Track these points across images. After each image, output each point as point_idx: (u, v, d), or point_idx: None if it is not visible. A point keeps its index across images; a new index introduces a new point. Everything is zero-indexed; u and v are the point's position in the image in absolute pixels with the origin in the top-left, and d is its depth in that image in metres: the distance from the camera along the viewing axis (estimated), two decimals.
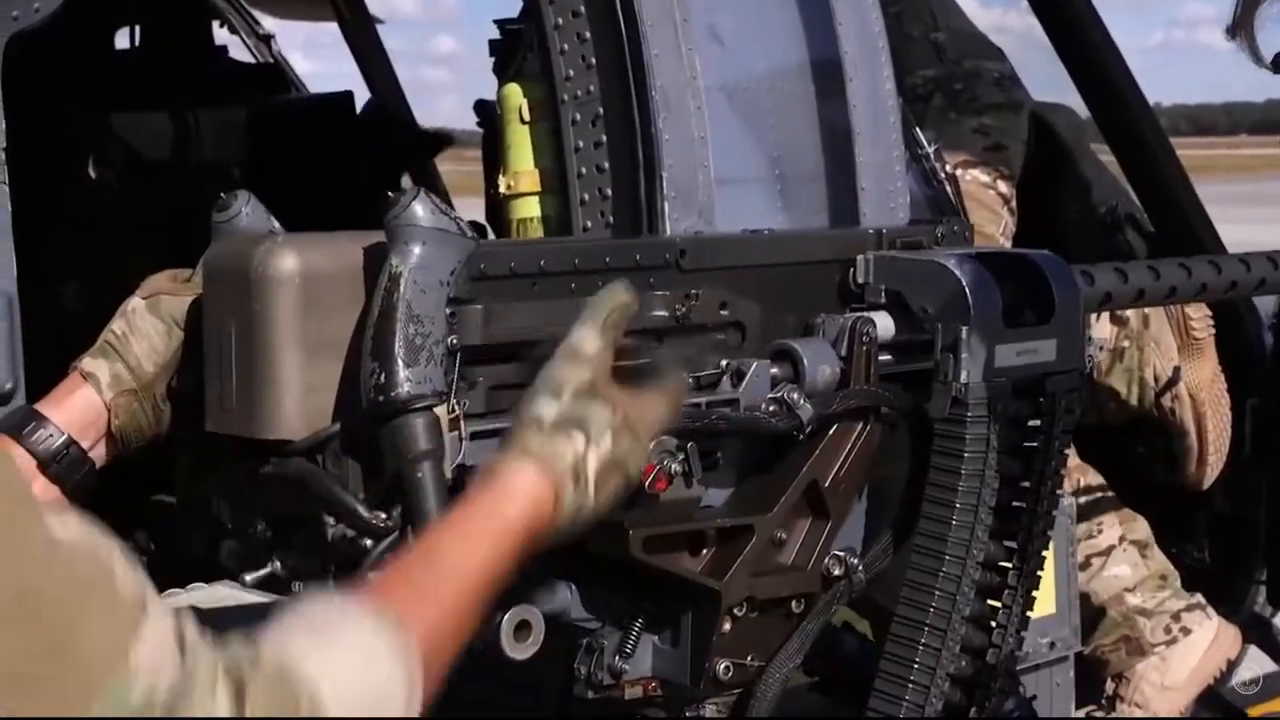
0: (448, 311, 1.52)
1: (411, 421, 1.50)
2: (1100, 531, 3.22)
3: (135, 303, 1.71)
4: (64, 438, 1.63)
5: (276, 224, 1.70)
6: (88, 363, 1.68)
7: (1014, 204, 3.32)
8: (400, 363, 1.50)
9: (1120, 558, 3.23)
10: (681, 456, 1.61)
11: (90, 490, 1.66)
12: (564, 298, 1.64)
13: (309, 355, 1.53)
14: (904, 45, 3.23)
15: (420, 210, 1.53)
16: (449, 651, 1.24)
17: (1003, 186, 3.29)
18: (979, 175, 3.25)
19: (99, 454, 1.67)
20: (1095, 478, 3.25)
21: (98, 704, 0.93)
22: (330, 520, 1.53)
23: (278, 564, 1.60)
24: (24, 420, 1.64)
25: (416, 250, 1.52)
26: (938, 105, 3.33)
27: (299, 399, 1.54)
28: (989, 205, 3.25)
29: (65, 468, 1.63)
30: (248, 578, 1.61)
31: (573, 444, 1.40)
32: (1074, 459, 3.14)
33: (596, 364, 1.45)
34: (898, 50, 2.62)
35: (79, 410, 1.66)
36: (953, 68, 3.38)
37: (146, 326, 1.69)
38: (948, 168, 2.86)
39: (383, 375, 1.49)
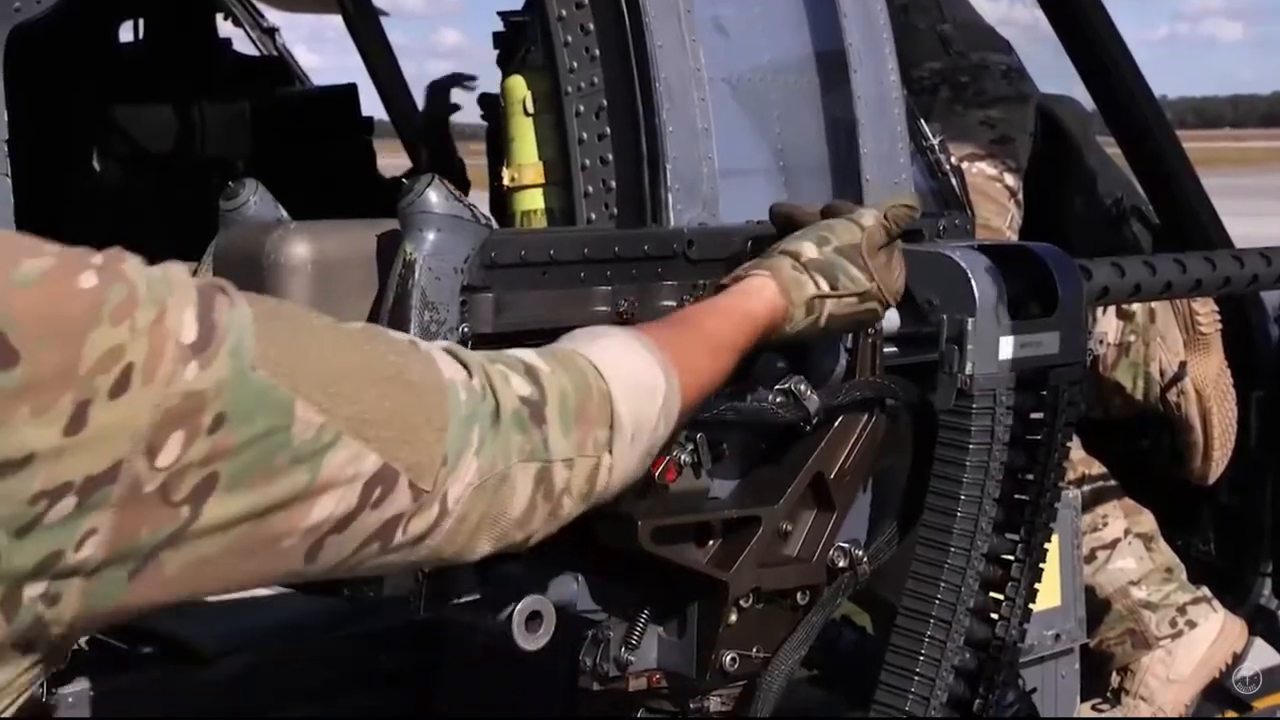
0: (461, 299, 1.52)
1: None
2: (1105, 525, 3.22)
3: None
4: None
5: (284, 212, 1.70)
6: None
7: (1020, 197, 3.31)
8: None
9: (1125, 551, 3.23)
10: (690, 447, 1.61)
11: None
12: (573, 287, 1.63)
13: None
14: (910, 37, 3.23)
15: (434, 197, 1.53)
16: (702, 385, 1.45)
17: (1009, 179, 3.28)
18: (985, 168, 3.25)
19: None
20: (1100, 470, 3.25)
21: (452, 416, 1.18)
22: None
23: None
24: None
25: (431, 237, 1.52)
26: (944, 98, 3.33)
27: None
28: (995, 198, 3.25)
29: None
30: None
31: (817, 285, 1.63)
32: (1079, 452, 3.14)
33: (870, 233, 1.68)
34: (904, 43, 2.62)
35: None
36: (959, 60, 3.38)
37: None
38: (953, 160, 2.86)
39: None
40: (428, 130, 5.01)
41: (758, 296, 1.60)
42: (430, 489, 1.16)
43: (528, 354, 1.31)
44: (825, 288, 1.64)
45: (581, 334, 1.39)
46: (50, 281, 1.03)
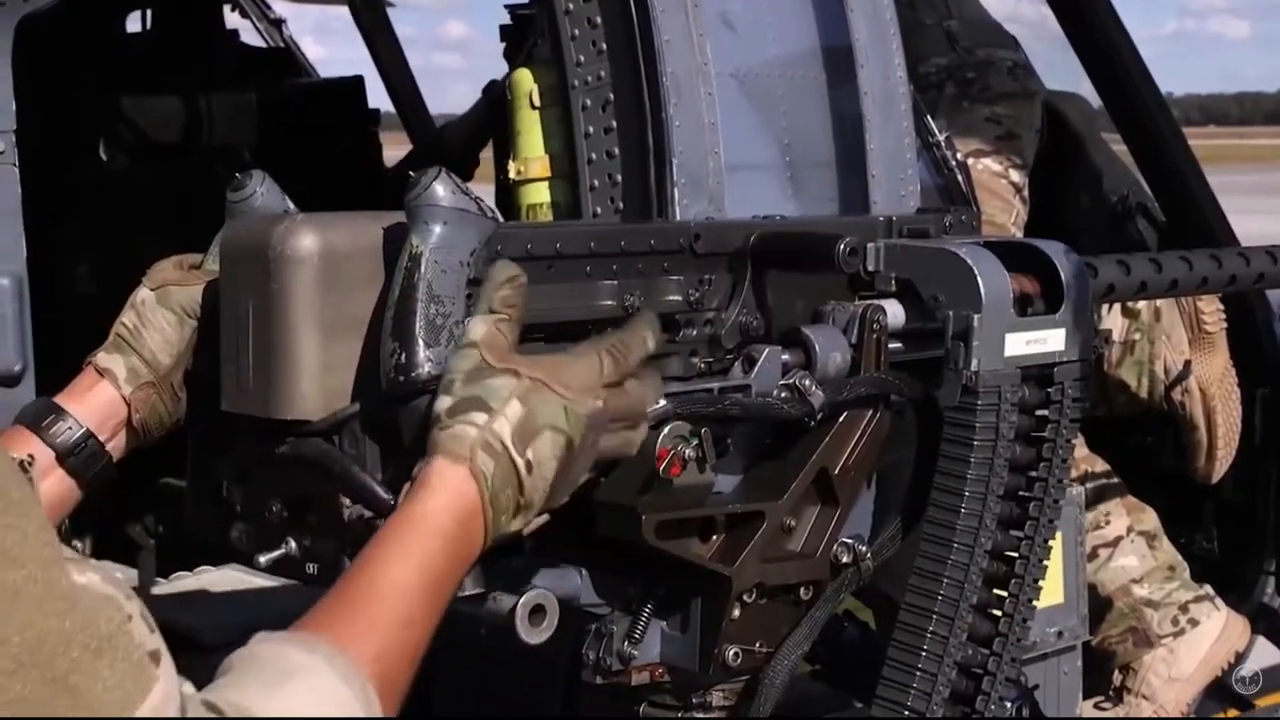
0: (467, 293, 1.52)
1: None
2: (1108, 522, 3.22)
3: (144, 294, 1.70)
4: (83, 430, 1.63)
5: (291, 204, 1.70)
6: (102, 358, 1.68)
7: (1026, 193, 3.31)
8: (421, 343, 1.49)
9: (1128, 549, 3.23)
10: (695, 442, 1.61)
11: (107, 484, 1.66)
12: (579, 280, 1.63)
13: (327, 335, 1.53)
14: (917, 33, 3.23)
15: (441, 190, 1.52)
16: (405, 668, 1.23)
17: (1015, 175, 3.28)
18: (991, 164, 3.25)
19: (118, 446, 1.67)
20: (1104, 468, 3.25)
21: None
22: (347, 501, 1.52)
23: (293, 545, 1.59)
24: (43, 412, 1.64)
25: (437, 230, 1.52)
26: (950, 94, 3.33)
27: (317, 379, 1.53)
28: (1001, 194, 3.25)
29: (83, 461, 1.63)
30: (262, 559, 1.60)
31: (472, 422, 1.36)
32: (1082, 449, 3.14)
33: (486, 344, 1.42)
34: (910, 38, 2.61)
35: (98, 405, 1.66)
36: (965, 56, 3.38)
37: (158, 319, 1.68)
38: (959, 156, 2.86)
39: (403, 355, 1.49)
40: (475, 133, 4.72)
41: (433, 498, 1.32)
42: None
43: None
44: (481, 418, 1.37)
45: (271, 675, 1.13)
46: None
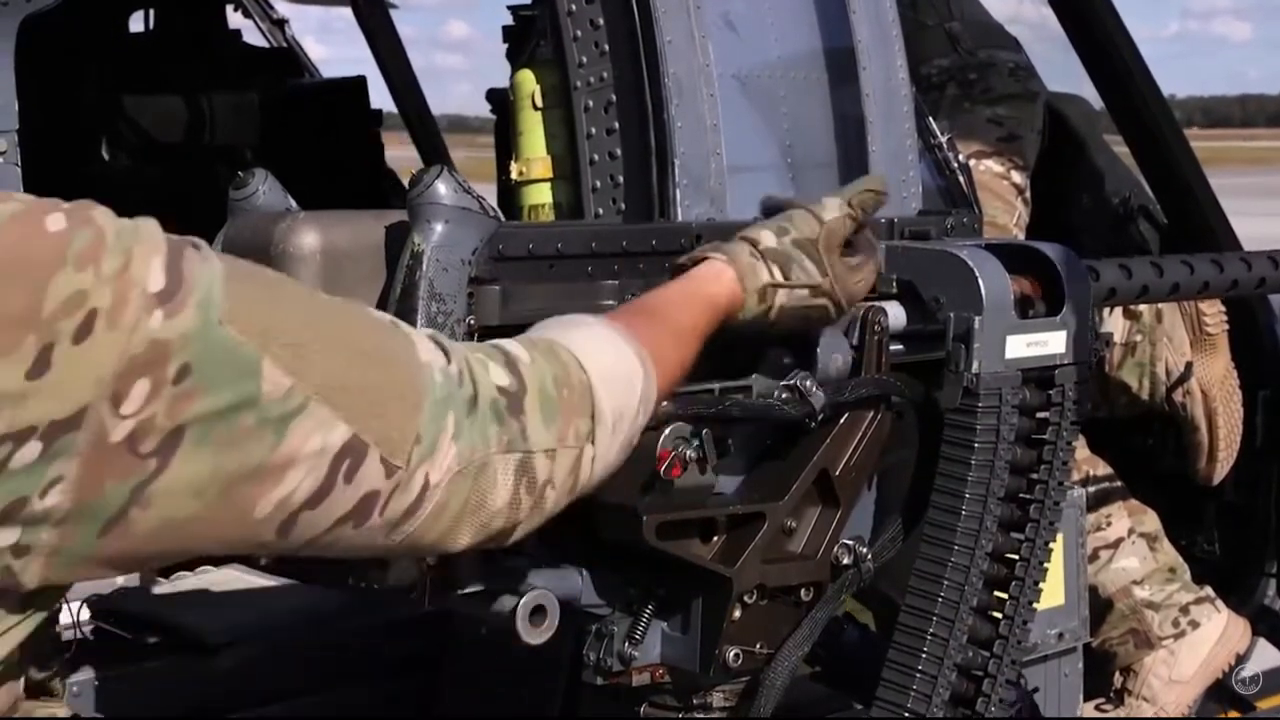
0: (468, 291, 1.52)
1: None
2: (1109, 524, 3.21)
3: None
4: None
5: (293, 202, 1.70)
6: None
7: (1028, 195, 3.31)
8: None
9: (1129, 550, 3.23)
10: (696, 443, 1.61)
11: None
12: (580, 280, 1.63)
13: None
14: (918, 34, 3.22)
15: (443, 188, 1.53)
16: (672, 370, 1.47)
17: (1016, 177, 3.28)
18: (993, 165, 3.24)
19: None
20: (1105, 470, 3.25)
21: (426, 396, 1.17)
22: None
23: None
24: None
25: (439, 228, 1.52)
26: (952, 95, 3.33)
27: None
28: (1002, 196, 3.24)
29: None
30: (262, 559, 1.60)
31: (771, 274, 1.61)
32: (1083, 451, 3.14)
33: (830, 227, 1.66)
34: (912, 39, 2.61)
35: None
36: (967, 58, 3.37)
37: None
38: (960, 157, 2.86)
39: None
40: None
41: (716, 282, 1.59)
42: (404, 465, 1.15)
43: (510, 343, 1.31)
44: (779, 277, 1.63)
45: (558, 322, 1.39)
46: (16, 223, 1.04)
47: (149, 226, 1.09)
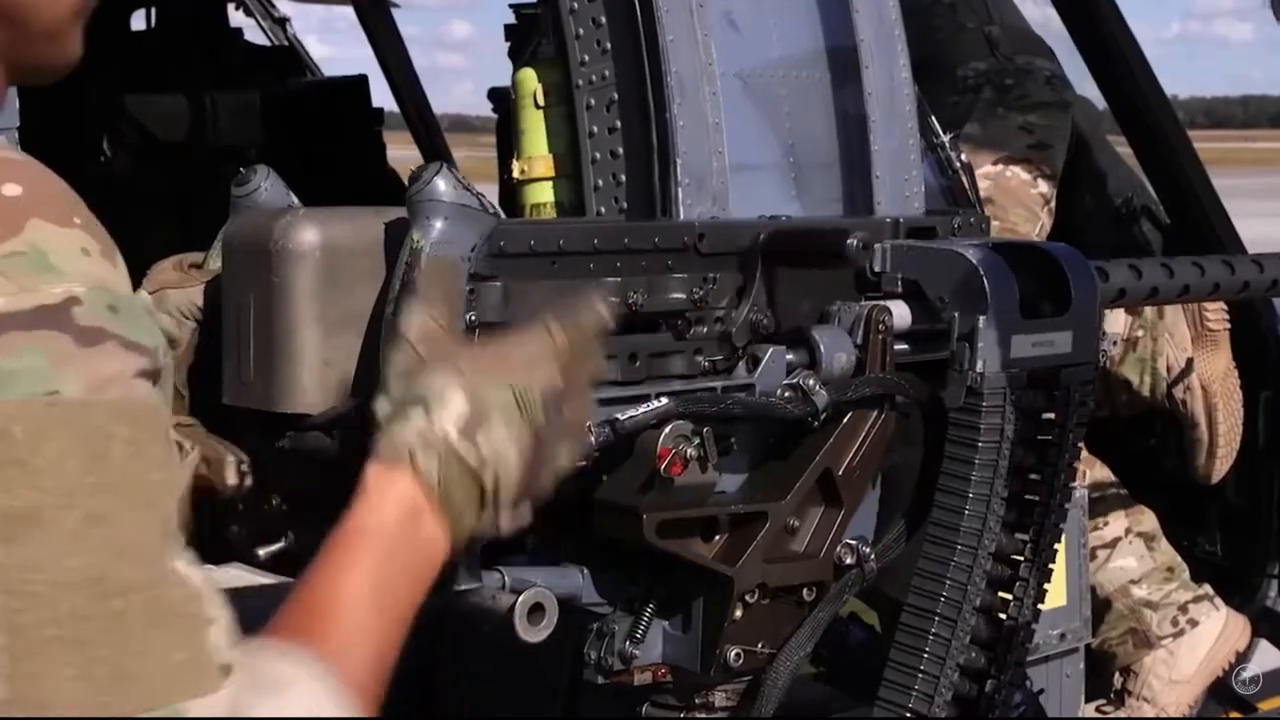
0: (469, 288, 1.52)
1: None
2: (1106, 524, 3.21)
3: (141, 298, 1.69)
4: None
5: (295, 199, 1.70)
6: None
7: (1053, 205, 3.29)
8: None
9: (1126, 550, 3.22)
10: (697, 441, 1.60)
11: None
12: (582, 277, 1.63)
13: (328, 329, 1.53)
14: (957, 35, 3.21)
15: (442, 185, 1.52)
16: (376, 679, 1.18)
17: (1043, 186, 3.26)
18: (1020, 173, 3.23)
19: None
20: (1102, 470, 3.24)
21: None
22: None
23: (292, 539, 1.59)
24: None
25: (438, 225, 1.52)
26: (987, 99, 3.30)
27: (317, 373, 1.53)
28: (1027, 204, 3.23)
29: None
30: (261, 552, 1.60)
31: (411, 422, 1.25)
32: (1083, 452, 3.13)
33: (420, 338, 1.32)
34: (951, 40, 2.59)
35: None
36: (1005, 62, 3.35)
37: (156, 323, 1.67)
38: (962, 157, 2.85)
39: None
40: None
41: (373, 503, 1.24)
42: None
43: None
44: (419, 416, 1.26)
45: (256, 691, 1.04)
46: None
47: (59, 289, 0.92)
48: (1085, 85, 3.35)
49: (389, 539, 1.21)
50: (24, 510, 0.88)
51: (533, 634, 1.56)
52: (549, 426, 1.31)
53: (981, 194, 2.89)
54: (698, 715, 1.80)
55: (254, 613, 2.24)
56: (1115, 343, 3.10)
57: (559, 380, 1.33)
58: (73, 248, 0.97)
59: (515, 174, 2.41)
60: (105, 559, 0.90)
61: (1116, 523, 3.23)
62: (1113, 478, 3.26)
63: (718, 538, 1.70)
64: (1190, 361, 3.19)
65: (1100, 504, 3.20)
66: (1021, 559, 1.85)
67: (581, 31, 2.33)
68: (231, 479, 1.17)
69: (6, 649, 0.87)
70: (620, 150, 2.29)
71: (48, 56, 1.20)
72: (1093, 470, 3.21)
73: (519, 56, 2.54)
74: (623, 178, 2.29)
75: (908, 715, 1.82)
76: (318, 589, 1.18)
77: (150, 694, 0.91)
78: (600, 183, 2.31)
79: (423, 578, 1.23)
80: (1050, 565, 1.88)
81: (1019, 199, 3.17)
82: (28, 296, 0.91)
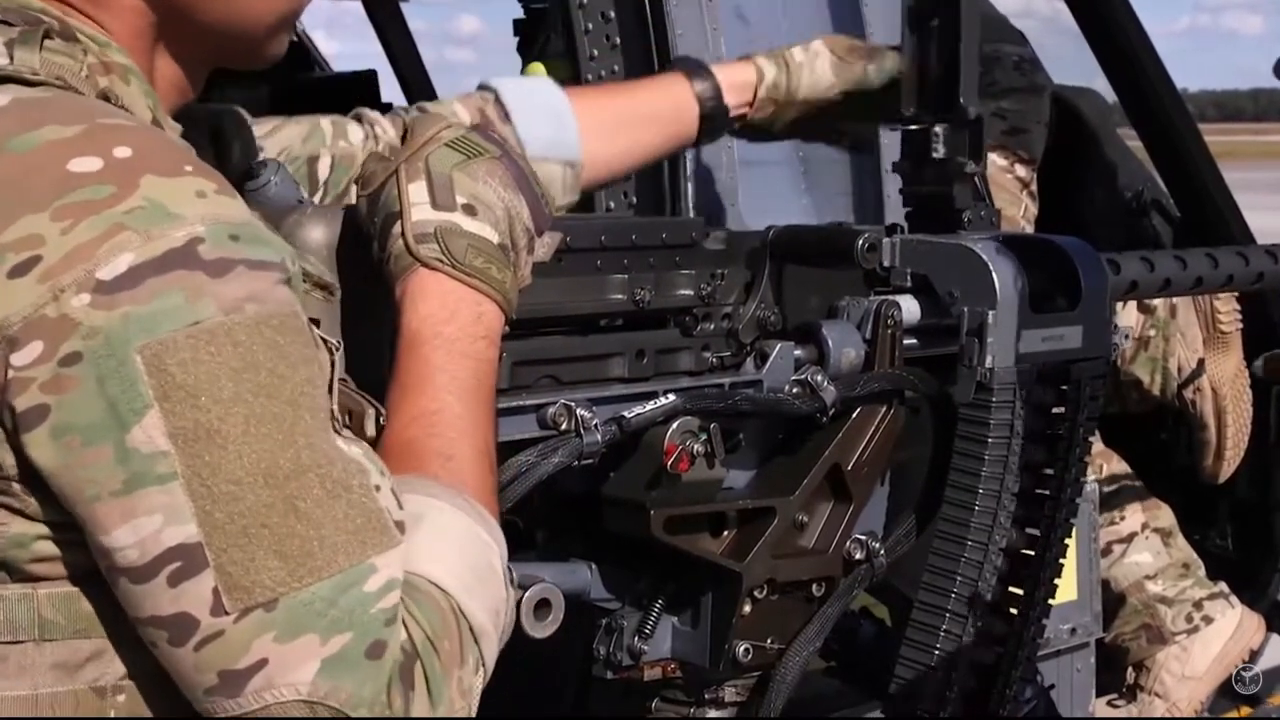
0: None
1: None
2: (1123, 518, 3.21)
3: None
4: None
5: (305, 194, 1.69)
6: None
7: (1034, 188, 3.30)
8: None
9: (1142, 545, 3.22)
10: (704, 437, 1.60)
11: None
12: (589, 274, 1.62)
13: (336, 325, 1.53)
14: None
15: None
16: (491, 459, 1.25)
17: (1021, 170, 3.27)
18: (996, 159, 3.23)
19: None
20: (1119, 464, 3.24)
21: (325, 588, 1.01)
22: None
23: None
24: None
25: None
26: None
27: None
28: (1007, 188, 3.24)
29: None
30: None
31: (393, 232, 1.29)
32: (1098, 444, 3.13)
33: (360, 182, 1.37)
34: None
35: None
36: None
37: None
38: None
39: None
40: None
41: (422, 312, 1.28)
42: (234, 614, 0.99)
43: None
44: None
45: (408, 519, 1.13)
46: (43, 154, 1.02)
47: (177, 225, 1.01)
48: (1095, 78, 3.34)
49: (441, 338, 1.24)
50: (193, 429, 0.99)
51: (539, 630, 1.56)
52: (502, 152, 1.33)
53: None
54: (708, 711, 1.79)
55: None
56: (1127, 337, 3.10)
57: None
58: (188, 193, 1.04)
59: None
60: (272, 452, 1.01)
61: (1133, 518, 3.22)
62: (1129, 471, 3.25)
63: (726, 533, 1.70)
64: (1201, 362, 3.19)
65: (1116, 498, 3.20)
66: (1032, 554, 1.84)
67: (590, 26, 2.33)
68: (370, 431, 1.21)
69: (208, 544, 0.99)
70: None
71: (257, 59, 1.39)
72: (1109, 464, 3.21)
73: (528, 51, 2.54)
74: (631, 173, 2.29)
75: (919, 711, 1.82)
76: (408, 420, 1.22)
77: (340, 557, 1.02)
78: None
79: (487, 353, 1.26)
80: (1061, 560, 1.87)
81: (998, 184, 3.17)
82: (155, 244, 1.00)
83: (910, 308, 1.81)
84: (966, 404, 1.80)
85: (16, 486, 1.02)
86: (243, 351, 1.02)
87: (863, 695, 2.04)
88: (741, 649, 1.70)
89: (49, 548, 1.04)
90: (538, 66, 2.43)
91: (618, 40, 2.32)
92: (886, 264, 1.83)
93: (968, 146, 1.93)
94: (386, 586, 1.05)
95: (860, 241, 1.78)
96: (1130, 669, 3.25)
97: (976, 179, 1.95)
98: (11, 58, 1.09)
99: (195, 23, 1.26)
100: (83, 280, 0.99)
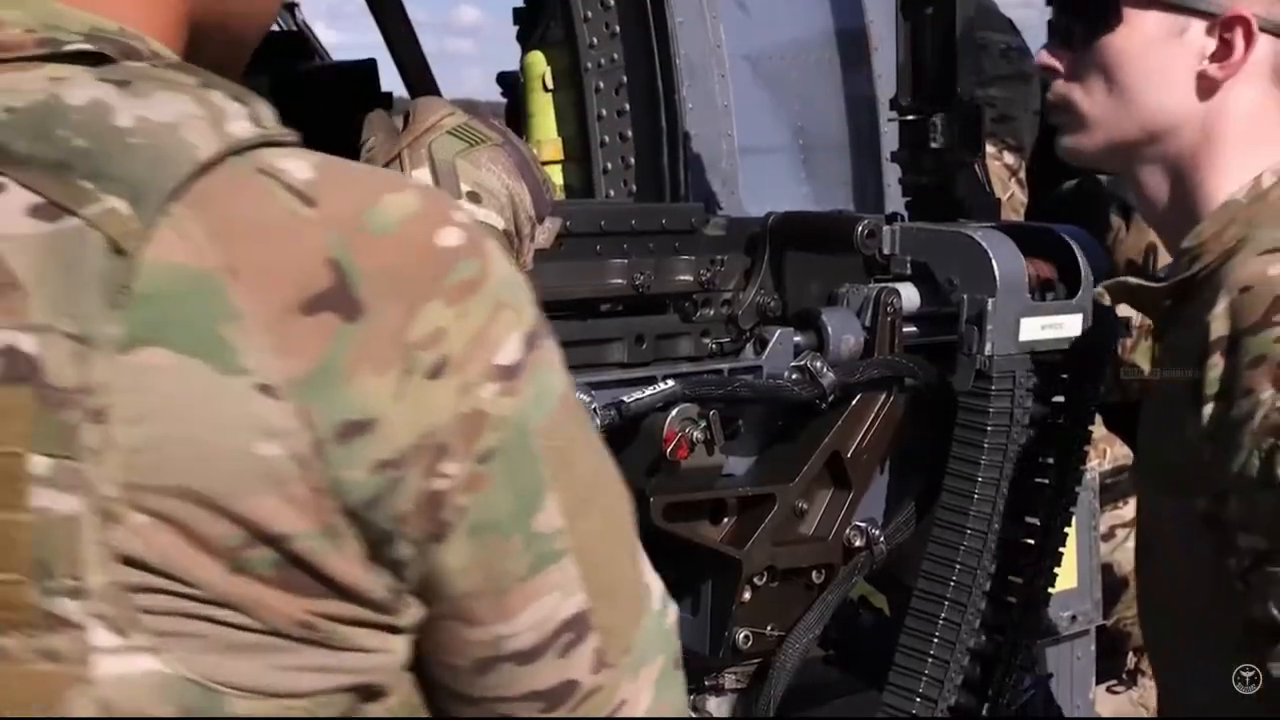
0: None
1: None
2: (1126, 503, 3.21)
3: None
4: None
5: None
6: None
7: (1022, 175, 3.30)
8: None
9: None
10: (703, 424, 1.60)
11: None
12: (589, 259, 1.63)
13: None
14: None
15: None
16: None
17: (1009, 158, 3.28)
18: (985, 147, 3.24)
19: None
20: (1122, 449, 3.24)
21: (645, 614, 1.04)
22: None
23: None
24: None
25: None
26: None
27: None
28: (995, 175, 3.25)
29: None
30: None
31: None
32: (1101, 429, 3.12)
33: None
34: None
35: None
36: None
37: None
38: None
39: None
40: None
41: None
42: (614, 665, 1.01)
43: None
44: None
45: None
46: (410, 231, 0.93)
47: (525, 289, 0.97)
48: None
49: None
50: (575, 501, 0.99)
51: None
52: (504, 139, 1.32)
53: None
54: (708, 697, 1.80)
55: None
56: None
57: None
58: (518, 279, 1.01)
59: None
60: (613, 504, 1.04)
61: (1135, 502, 3.22)
62: (1134, 456, 3.25)
63: (725, 520, 1.70)
64: None
65: (1120, 483, 3.19)
66: (1032, 543, 1.84)
67: (590, 14, 2.33)
68: None
69: (593, 609, 1.00)
70: (629, 133, 2.29)
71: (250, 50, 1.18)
72: (1113, 449, 3.21)
73: (527, 40, 2.54)
74: (632, 160, 2.29)
75: (918, 699, 1.82)
76: None
77: (653, 582, 1.06)
78: (609, 166, 2.31)
79: None
80: (1061, 548, 1.87)
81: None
82: (524, 317, 0.96)
83: (910, 295, 1.81)
84: (965, 392, 1.80)
85: (409, 598, 0.96)
86: (576, 407, 1.02)
87: (862, 683, 2.04)
88: (741, 636, 1.71)
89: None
90: (537, 56, 2.43)
91: (617, 28, 2.31)
92: (886, 251, 1.83)
93: (966, 135, 1.93)
94: (662, 597, 1.07)
95: (860, 228, 1.78)
96: (1131, 653, 3.25)
97: (975, 167, 1.95)
98: (257, 119, 0.99)
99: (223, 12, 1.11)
100: (486, 370, 0.93)
